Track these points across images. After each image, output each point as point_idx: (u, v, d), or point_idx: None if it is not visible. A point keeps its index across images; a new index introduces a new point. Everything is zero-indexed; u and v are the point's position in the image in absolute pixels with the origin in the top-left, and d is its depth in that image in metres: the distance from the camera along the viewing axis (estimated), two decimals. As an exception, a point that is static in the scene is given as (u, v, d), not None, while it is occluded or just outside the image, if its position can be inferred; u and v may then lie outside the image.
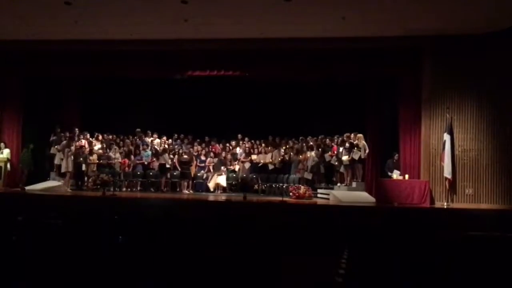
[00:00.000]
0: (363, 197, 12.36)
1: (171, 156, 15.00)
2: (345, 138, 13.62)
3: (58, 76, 14.97)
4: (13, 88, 14.47)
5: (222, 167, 14.95)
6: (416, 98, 12.86)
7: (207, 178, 15.07)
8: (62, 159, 14.09)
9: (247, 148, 15.60)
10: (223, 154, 15.53)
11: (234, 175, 15.18)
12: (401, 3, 10.55)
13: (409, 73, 12.88)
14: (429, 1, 10.56)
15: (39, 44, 13.56)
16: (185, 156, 14.92)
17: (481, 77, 12.39)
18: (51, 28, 12.66)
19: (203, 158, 15.49)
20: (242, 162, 15.33)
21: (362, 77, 13.60)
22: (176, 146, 15.85)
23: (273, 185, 14.51)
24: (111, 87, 15.88)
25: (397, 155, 13.22)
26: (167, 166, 14.62)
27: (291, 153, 14.87)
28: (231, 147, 16.05)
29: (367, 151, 13.16)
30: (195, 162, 15.29)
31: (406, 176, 12.53)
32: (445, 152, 12.06)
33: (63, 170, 13.89)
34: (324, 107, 15.35)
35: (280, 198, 11.81)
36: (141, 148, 15.08)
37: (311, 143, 14.65)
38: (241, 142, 16.27)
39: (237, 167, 15.38)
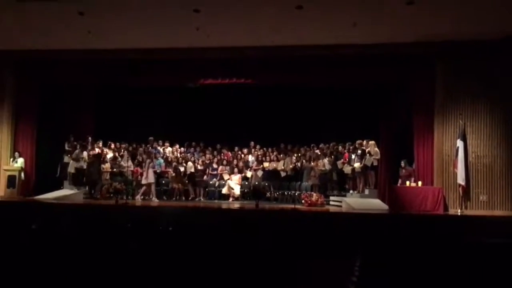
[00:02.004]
0: (376, 204, 12.32)
1: (184, 164, 15.08)
2: (357, 145, 13.61)
3: (72, 85, 15.12)
4: (29, 98, 14.63)
5: (238, 175, 15.01)
6: (429, 104, 12.80)
7: (219, 186, 15.14)
8: (76, 168, 14.20)
9: (259, 156, 15.64)
10: (235, 161, 15.56)
11: (247, 182, 15.24)
12: (413, 9, 10.51)
13: (422, 79, 12.82)
14: (442, 7, 10.52)
15: (54, 53, 13.75)
16: (200, 168, 15.09)
17: (495, 82, 12.29)
18: (65, 38, 12.82)
19: (215, 166, 15.56)
20: (255, 170, 15.38)
21: (375, 83, 13.56)
22: (188, 154, 15.93)
23: (285, 193, 14.52)
24: (124, 96, 15.99)
25: (403, 162, 13.10)
26: (200, 168, 14.90)
27: (303, 160, 14.89)
28: (243, 155, 16.11)
29: (379, 157, 13.15)
30: (208, 170, 15.40)
31: (419, 183, 12.48)
32: (458, 159, 11.97)
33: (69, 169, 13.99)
34: (336, 113, 15.39)
35: (292, 206, 11.80)
36: (153, 157, 15.19)
37: (316, 152, 14.69)
38: (253, 149, 16.30)
39: (249, 174, 15.43)
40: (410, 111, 13.16)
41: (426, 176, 12.73)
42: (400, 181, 13.05)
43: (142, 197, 13.96)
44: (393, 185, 12.81)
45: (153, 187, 14.06)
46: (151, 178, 13.95)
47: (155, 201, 13.58)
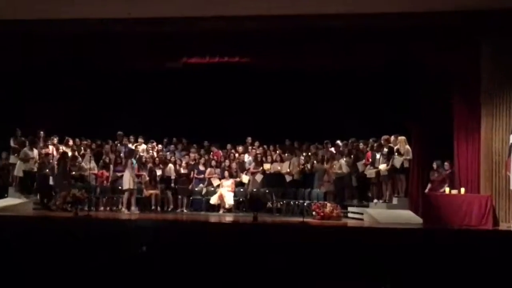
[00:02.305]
0: (407, 217, 12.33)
1: (162, 166, 15.09)
2: (382, 142, 13.54)
3: (21, 65, 14.87)
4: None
5: (230, 180, 15.04)
6: (473, 91, 12.78)
7: (207, 193, 15.13)
8: (24, 171, 14.12)
9: (258, 155, 15.58)
10: (227, 162, 15.55)
11: (242, 189, 15.19)
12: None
13: (463, 59, 12.79)
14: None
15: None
16: (182, 171, 15.11)
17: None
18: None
19: (201, 168, 15.47)
20: (252, 173, 15.31)
21: (404, 65, 13.56)
22: (167, 154, 15.91)
23: (292, 203, 14.48)
24: (85, 81, 15.84)
25: (435, 163, 13.11)
26: (184, 172, 14.99)
27: (314, 161, 14.85)
28: (237, 154, 16.06)
29: (410, 157, 13.13)
30: (192, 173, 15.39)
31: (462, 190, 12.46)
32: (511, 159, 12.00)
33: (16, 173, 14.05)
34: (356, 102, 15.40)
35: (301, 219, 11.78)
36: (123, 156, 15.12)
37: (331, 150, 14.68)
38: (250, 147, 16.23)
39: (245, 179, 15.40)
40: (448, 100, 13.13)
41: (470, 181, 12.75)
42: (430, 186, 13.05)
43: (126, 209, 13.95)
44: (427, 193, 12.83)
45: (130, 195, 14.07)
46: (131, 183, 13.99)
47: (135, 212, 13.68)
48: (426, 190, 12.96)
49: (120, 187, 14.45)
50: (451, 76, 12.98)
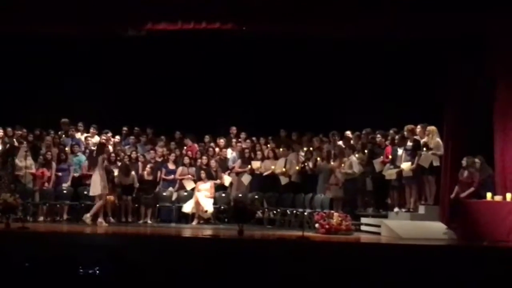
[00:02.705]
0: (437, 230, 12.43)
1: (120, 163, 15.12)
2: (406, 134, 13.60)
3: None
4: None
5: (209, 183, 15.08)
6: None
7: (178, 200, 15.15)
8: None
9: (245, 150, 15.63)
10: (205, 159, 15.50)
11: (224, 194, 15.24)
12: None
13: (508, 32, 12.84)
14: None
15: None
16: (147, 171, 15.14)
17: None
18: None
19: (171, 166, 15.49)
20: (237, 173, 15.35)
21: (433, 35, 13.52)
22: (126, 147, 15.87)
23: (288, 212, 14.57)
24: (21, 53, 15.82)
25: (465, 160, 13.04)
26: (147, 178, 15.06)
27: (318, 159, 14.89)
28: (218, 149, 16.08)
29: (442, 153, 13.19)
30: (159, 174, 15.42)
31: (508, 196, 12.42)
32: None
33: None
34: (371, 83, 15.35)
35: (300, 233, 11.71)
36: (68, 151, 15.08)
37: (339, 144, 14.73)
38: (234, 140, 16.27)
39: (228, 181, 15.45)
40: (489, 81, 13.22)
41: None
42: (457, 189, 13.02)
43: (101, 220, 13.89)
44: (463, 200, 12.84)
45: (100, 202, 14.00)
46: (102, 187, 13.95)
47: (103, 225, 13.74)
48: (452, 195, 12.99)
49: (86, 193, 14.48)
50: (492, 54, 13.11)
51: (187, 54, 15.77)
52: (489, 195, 12.61)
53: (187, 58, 15.97)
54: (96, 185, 13.84)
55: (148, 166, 15.20)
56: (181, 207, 15.01)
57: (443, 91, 13.87)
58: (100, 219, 13.78)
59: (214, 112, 16.51)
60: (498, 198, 12.50)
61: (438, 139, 13.25)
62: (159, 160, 15.60)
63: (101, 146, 14.78)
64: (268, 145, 15.87)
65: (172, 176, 15.46)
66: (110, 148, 15.62)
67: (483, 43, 13.21)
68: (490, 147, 13.22)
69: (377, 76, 15.37)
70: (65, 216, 14.39)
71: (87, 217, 13.76)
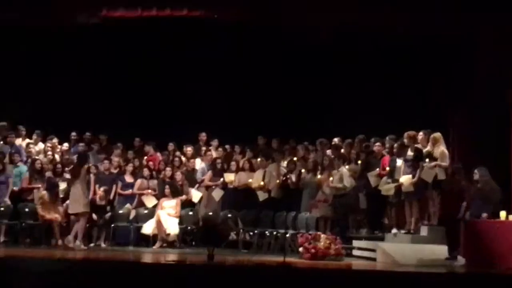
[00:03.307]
0: (442, 255, 12.26)
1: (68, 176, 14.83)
2: (406, 141, 13.45)
3: None
4: None
5: (174, 200, 15.00)
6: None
7: (137, 219, 15.04)
8: None
9: (217, 161, 15.63)
10: (169, 171, 15.46)
11: (191, 213, 15.22)
12: None
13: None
14: None
15: None
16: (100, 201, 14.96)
17: None
18: None
19: (129, 179, 15.45)
20: (207, 187, 15.39)
21: (437, 29, 13.62)
22: (75, 157, 15.48)
23: (267, 233, 14.51)
24: None
25: (478, 172, 12.67)
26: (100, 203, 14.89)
27: (302, 170, 14.85)
28: (185, 159, 16.07)
29: (447, 164, 13.00)
30: (114, 188, 15.31)
31: None
32: None
33: None
34: (366, 82, 15.46)
35: (281, 259, 11.51)
36: (6, 160, 14.95)
37: (328, 154, 14.67)
38: (204, 148, 16.30)
39: (196, 197, 15.43)
40: (502, 81, 13.19)
41: None
42: (465, 205, 12.75)
43: (80, 242, 13.88)
44: (473, 220, 12.59)
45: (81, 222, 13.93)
46: (85, 204, 13.88)
47: (80, 247, 13.82)
48: (460, 215, 12.73)
49: (27, 210, 14.44)
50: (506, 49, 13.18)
51: (148, 44, 15.96)
52: (503, 214, 12.35)
53: (148, 49, 16.15)
54: (78, 202, 13.86)
55: (101, 189, 15.06)
56: (140, 227, 14.93)
57: (449, 91, 13.97)
58: (78, 242, 13.83)
59: (181, 115, 16.61)
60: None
61: (444, 148, 13.09)
62: (115, 171, 15.52)
63: (83, 155, 14.85)
64: (245, 155, 15.92)
65: (130, 191, 15.40)
66: (57, 157, 15.66)
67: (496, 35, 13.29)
68: (506, 156, 13.32)
69: (373, 74, 15.50)
70: (1, 238, 14.23)
71: (70, 240, 13.84)
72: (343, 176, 13.99)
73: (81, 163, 14.28)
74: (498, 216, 12.31)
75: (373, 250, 12.86)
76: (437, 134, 13.10)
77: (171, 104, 16.65)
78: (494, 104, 13.38)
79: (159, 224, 14.64)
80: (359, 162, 14.28)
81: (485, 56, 13.51)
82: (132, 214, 15.12)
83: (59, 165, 15.09)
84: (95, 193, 14.98)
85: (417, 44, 14.43)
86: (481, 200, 12.46)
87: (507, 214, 12.28)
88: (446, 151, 13.05)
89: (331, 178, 14.11)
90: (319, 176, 14.35)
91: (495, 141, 13.35)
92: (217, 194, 15.17)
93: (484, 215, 12.23)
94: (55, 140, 15.99)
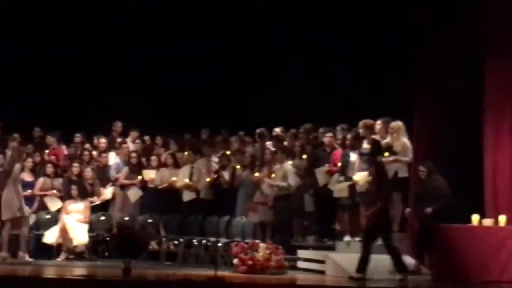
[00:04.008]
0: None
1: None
2: (361, 131, 13.47)
3: None
4: None
5: (84, 203, 14.80)
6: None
7: (38, 226, 14.83)
8: None
9: (133, 155, 15.53)
10: (77, 168, 15.19)
11: (103, 217, 15.10)
12: None
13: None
14: None
15: None
16: None
17: None
18: None
19: (27, 178, 15.12)
20: (123, 186, 15.32)
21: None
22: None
23: (195, 241, 14.42)
24: None
25: (424, 167, 12.93)
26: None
27: (237, 166, 14.82)
28: (96, 152, 15.95)
29: (411, 159, 13.06)
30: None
31: (502, 219, 12.42)
32: None
33: None
34: (312, 61, 15.58)
35: (212, 273, 11.36)
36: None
37: (268, 147, 14.70)
38: (120, 139, 16.20)
39: (108, 193, 15.37)
40: (480, 58, 13.22)
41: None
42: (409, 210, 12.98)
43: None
44: (440, 225, 12.62)
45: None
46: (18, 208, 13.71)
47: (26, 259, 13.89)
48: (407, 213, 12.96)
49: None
50: (482, 23, 13.28)
51: (48, 12, 16.11)
52: (475, 218, 12.57)
53: (49, 18, 16.27)
54: (11, 206, 13.86)
55: None
56: (41, 235, 14.73)
57: (413, 74, 13.98)
58: (21, 252, 13.93)
59: (90, 100, 16.65)
60: (488, 222, 12.51)
61: (406, 140, 13.18)
62: (6, 168, 14.83)
63: (18, 150, 14.79)
64: (168, 148, 15.92)
65: (29, 192, 15.02)
66: None
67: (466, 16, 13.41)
68: (478, 152, 13.38)
69: (320, 51, 15.68)
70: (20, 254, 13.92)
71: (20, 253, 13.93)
72: (287, 173, 14.00)
73: (14, 160, 14.25)
74: (469, 220, 12.49)
75: (321, 262, 12.86)
76: (398, 123, 13.16)
77: (80, 86, 16.73)
78: (466, 87, 13.45)
79: (64, 231, 14.44)
80: (305, 156, 14.20)
81: (452, 34, 13.67)
82: (32, 219, 14.77)
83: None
84: None
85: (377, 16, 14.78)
86: (427, 198, 12.58)
87: (480, 218, 12.46)
88: (408, 143, 13.14)
89: (272, 176, 14.07)
90: (257, 173, 14.30)
91: (466, 131, 13.43)
92: (134, 194, 15.11)
93: (428, 209, 12.35)
94: None
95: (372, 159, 12.92)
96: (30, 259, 13.86)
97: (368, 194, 12.47)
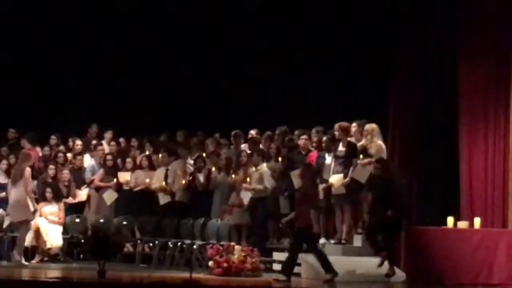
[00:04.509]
0: (378, 269, 12.23)
1: None
2: (337, 133, 13.41)
3: None
4: None
5: (58, 205, 14.74)
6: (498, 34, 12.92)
7: (11, 227, 14.58)
8: None
9: (109, 157, 15.46)
10: (52, 170, 15.17)
11: (78, 220, 15.03)
12: None
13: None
14: None
15: None
16: None
17: None
18: None
19: (2, 180, 15.08)
20: (98, 188, 15.26)
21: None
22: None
23: (170, 244, 14.35)
24: None
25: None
26: None
27: (213, 169, 14.74)
28: (71, 154, 15.86)
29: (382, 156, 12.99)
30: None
31: (476, 222, 12.51)
32: None
33: None
34: (288, 61, 15.54)
35: (187, 275, 11.32)
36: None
37: (243, 149, 14.67)
38: (95, 141, 16.09)
39: (83, 194, 15.35)
40: (454, 53, 13.29)
41: (491, 205, 12.86)
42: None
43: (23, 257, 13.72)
44: (416, 228, 12.80)
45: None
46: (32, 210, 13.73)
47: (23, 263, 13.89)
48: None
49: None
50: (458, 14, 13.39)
51: (23, 17, 16.17)
52: (450, 220, 12.64)
53: (23, 22, 16.36)
54: (22, 207, 13.89)
55: None
56: (16, 238, 14.48)
57: (391, 71, 14.01)
58: (17, 255, 13.90)
59: (65, 101, 16.64)
60: (463, 224, 12.59)
61: (380, 142, 13.13)
62: None
63: (26, 154, 14.70)
64: (144, 149, 15.87)
65: (3, 194, 14.93)
66: None
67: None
68: (454, 153, 13.40)
69: (296, 53, 15.73)
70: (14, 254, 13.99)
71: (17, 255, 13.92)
72: (263, 175, 13.97)
73: (23, 162, 14.26)
74: (444, 223, 12.59)
75: (297, 264, 12.62)
76: (372, 126, 13.13)
77: (55, 86, 16.71)
78: (442, 88, 13.56)
79: (38, 234, 14.41)
80: (280, 158, 14.18)
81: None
82: (6, 221, 14.71)
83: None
84: None
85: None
86: (384, 200, 12.45)
87: (455, 220, 12.53)
88: (383, 145, 13.09)
89: (248, 179, 14.06)
90: (233, 176, 14.28)
91: (442, 134, 13.53)
92: (110, 197, 15.02)
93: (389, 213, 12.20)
94: None
95: (347, 162, 13.00)
96: (26, 262, 13.79)
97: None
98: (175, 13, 16.55)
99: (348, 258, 12.53)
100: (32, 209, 14.03)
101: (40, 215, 14.59)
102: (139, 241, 14.74)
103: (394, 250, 12.39)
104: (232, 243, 13.01)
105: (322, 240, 13.28)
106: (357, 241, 12.97)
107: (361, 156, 12.96)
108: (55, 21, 16.45)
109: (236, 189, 14.14)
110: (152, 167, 15.28)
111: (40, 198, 14.88)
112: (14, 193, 13.92)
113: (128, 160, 15.50)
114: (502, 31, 13.06)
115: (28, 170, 13.96)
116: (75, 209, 15.24)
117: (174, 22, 16.73)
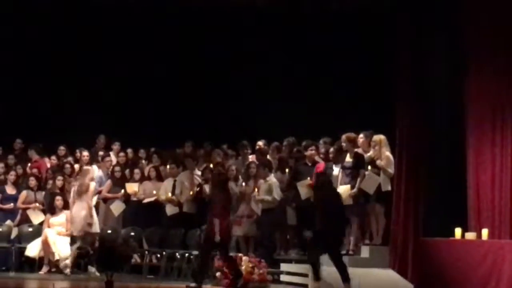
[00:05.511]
0: (387, 280, 12.36)
1: None
2: (344, 145, 13.40)
3: None
4: None
5: (64, 215, 14.68)
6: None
7: (20, 238, 14.70)
8: None
9: (116, 169, 15.44)
10: (60, 181, 15.06)
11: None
12: None
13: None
14: None
15: None
16: None
17: None
18: None
19: (10, 191, 15.09)
20: (105, 200, 15.19)
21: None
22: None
23: (177, 255, 14.31)
24: None
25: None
26: None
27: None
28: (78, 165, 15.73)
29: (392, 173, 13.04)
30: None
31: (484, 233, 12.35)
32: None
33: None
34: (295, 72, 15.57)
35: (192, 285, 11.54)
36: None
37: (251, 160, 14.72)
38: (102, 152, 16.07)
39: (93, 211, 14.88)
40: (459, 65, 13.20)
41: (498, 215, 12.70)
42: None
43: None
44: (423, 239, 12.79)
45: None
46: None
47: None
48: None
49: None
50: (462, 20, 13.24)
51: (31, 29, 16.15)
52: (458, 231, 12.53)
53: (32, 32, 16.32)
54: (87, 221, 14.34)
55: None
56: (24, 249, 14.60)
57: (397, 82, 13.86)
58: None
59: (73, 112, 16.43)
60: (470, 235, 12.45)
61: (388, 153, 13.14)
62: None
63: (86, 169, 14.99)
64: (151, 161, 15.85)
65: (11, 205, 15.02)
66: None
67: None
68: (462, 165, 13.34)
69: (304, 62, 15.68)
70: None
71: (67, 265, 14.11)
72: (272, 186, 13.92)
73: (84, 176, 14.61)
74: (452, 234, 12.45)
75: (305, 275, 12.77)
76: (380, 137, 13.14)
77: (62, 98, 16.60)
78: (449, 99, 13.49)
79: (46, 245, 14.35)
80: (287, 170, 14.16)
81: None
82: (14, 232, 14.75)
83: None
84: None
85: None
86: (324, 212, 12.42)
87: (463, 231, 12.41)
88: (391, 157, 13.09)
89: (256, 190, 14.05)
90: (241, 187, 14.29)
91: (450, 144, 13.45)
92: (117, 208, 14.94)
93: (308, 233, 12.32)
94: None
95: (355, 173, 12.98)
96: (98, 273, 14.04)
97: None
98: (176, 25, 16.59)
99: (356, 269, 12.36)
100: (96, 222, 14.19)
101: (48, 226, 14.51)
102: (146, 252, 14.66)
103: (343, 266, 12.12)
104: (240, 254, 13.01)
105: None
106: (365, 252, 12.94)
107: (369, 167, 12.93)
108: (60, 32, 16.45)
109: (245, 200, 14.11)
110: (160, 178, 15.23)
111: (48, 209, 14.80)
112: (78, 207, 14.15)
113: (136, 171, 15.42)
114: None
115: (93, 185, 14.22)
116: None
117: (177, 34, 16.72)
